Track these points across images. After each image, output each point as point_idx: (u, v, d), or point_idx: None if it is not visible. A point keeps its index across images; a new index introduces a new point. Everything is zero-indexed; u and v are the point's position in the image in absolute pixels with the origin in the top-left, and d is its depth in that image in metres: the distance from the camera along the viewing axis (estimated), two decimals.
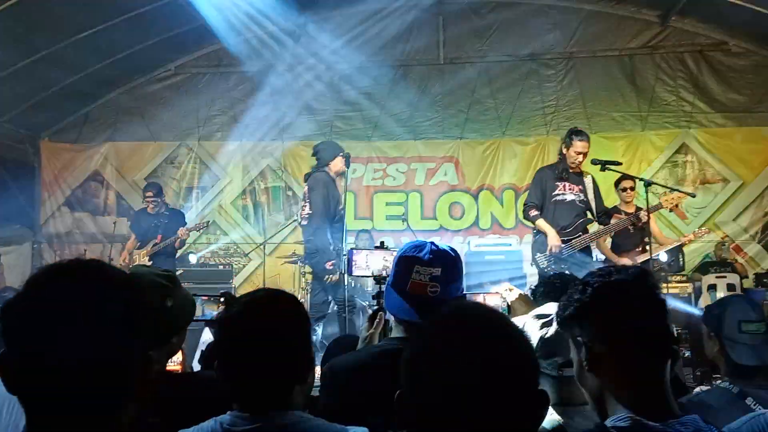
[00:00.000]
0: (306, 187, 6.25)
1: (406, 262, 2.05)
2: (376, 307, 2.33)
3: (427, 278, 2.00)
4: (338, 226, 6.08)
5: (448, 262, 2.05)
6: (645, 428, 1.34)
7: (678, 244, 7.20)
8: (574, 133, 6.10)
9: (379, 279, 2.62)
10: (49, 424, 1.06)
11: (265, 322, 1.64)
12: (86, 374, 1.04)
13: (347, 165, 6.27)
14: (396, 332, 2.10)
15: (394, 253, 2.19)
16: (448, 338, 1.10)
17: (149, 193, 7.71)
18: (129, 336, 1.10)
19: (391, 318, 2.15)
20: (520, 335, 1.16)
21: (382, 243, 2.90)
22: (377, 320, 2.32)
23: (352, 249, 2.78)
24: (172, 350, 2.15)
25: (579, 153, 6.03)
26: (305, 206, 6.15)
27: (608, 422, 1.40)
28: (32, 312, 1.05)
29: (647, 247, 6.74)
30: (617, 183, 7.07)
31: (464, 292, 2.15)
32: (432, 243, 2.08)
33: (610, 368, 1.45)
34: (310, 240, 6.10)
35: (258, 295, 1.74)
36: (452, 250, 2.11)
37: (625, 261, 6.99)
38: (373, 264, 2.63)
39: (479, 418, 1.05)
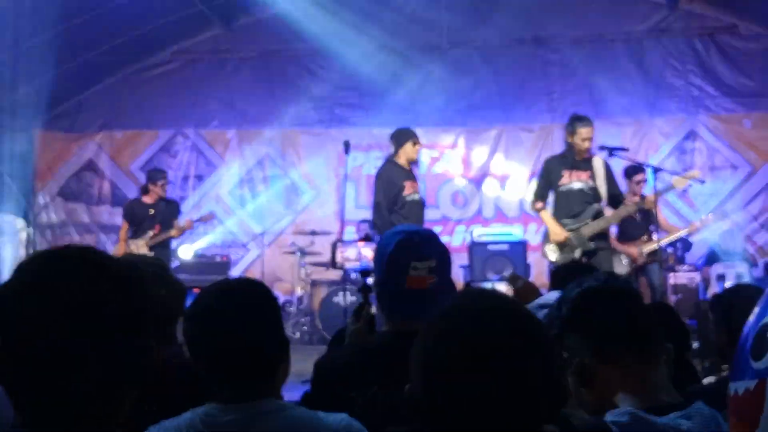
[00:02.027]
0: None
1: (401, 258, 1.95)
2: (361, 301, 2.27)
3: (426, 272, 1.93)
4: (404, 213, 6.01)
5: (440, 250, 2.01)
6: (646, 423, 1.33)
7: (685, 233, 7.09)
8: (577, 119, 5.92)
9: (365, 273, 2.64)
10: (43, 416, 1.01)
11: (230, 307, 1.61)
12: (80, 367, 0.99)
13: (347, 152, 6.23)
14: (385, 327, 2.05)
15: None
16: (466, 332, 1.05)
17: (163, 176, 7.65)
18: (129, 326, 1.05)
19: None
20: (539, 326, 1.13)
21: (367, 235, 2.85)
22: (363, 314, 2.24)
23: (336, 242, 2.72)
24: (167, 340, 2.15)
25: (585, 139, 5.85)
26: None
27: (607, 418, 1.37)
28: (20, 302, 1.00)
29: (653, 236, 6.63)
30: (629, 175, 6.88)
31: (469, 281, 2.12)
32: (417, 233, 2.02)
33: (604, 378, 1.44)
34: (373, 232, 6.06)
35: (221, 284, 1.74)
36: (435, 234, 2.09)
37: (632, 250, 6.89)
38: (364, 256, 2.56)
39: (502, 417, 1.02)
